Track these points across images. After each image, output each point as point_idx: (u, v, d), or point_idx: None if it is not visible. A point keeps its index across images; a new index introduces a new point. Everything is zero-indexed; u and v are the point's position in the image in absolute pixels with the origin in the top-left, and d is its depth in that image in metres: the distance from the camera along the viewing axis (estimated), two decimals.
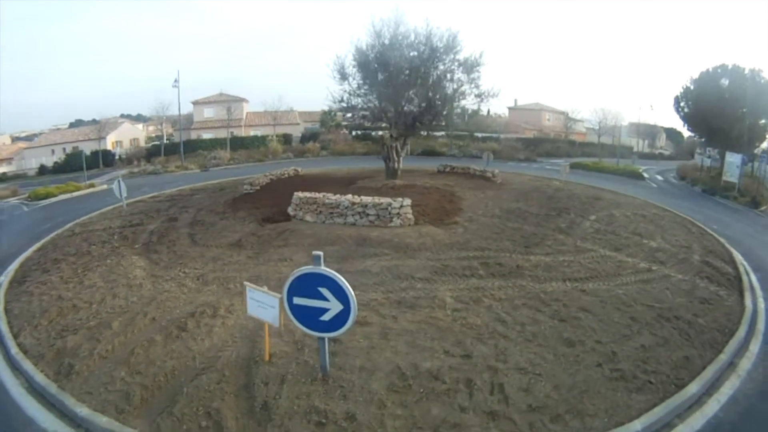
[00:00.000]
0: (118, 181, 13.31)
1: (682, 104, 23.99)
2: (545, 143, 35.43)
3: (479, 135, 34.82)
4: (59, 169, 30.04)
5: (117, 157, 33.29)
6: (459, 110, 16.09)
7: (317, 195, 10.55)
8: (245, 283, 4.74)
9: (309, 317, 4.16)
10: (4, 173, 30.75)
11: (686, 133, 34.67)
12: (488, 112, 39.51)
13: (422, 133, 17.25)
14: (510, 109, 48.55)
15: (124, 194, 13.23)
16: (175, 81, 28.63)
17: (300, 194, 10.78)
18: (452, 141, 31.63)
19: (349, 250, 8.31)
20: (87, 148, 31.89)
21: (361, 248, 8.39)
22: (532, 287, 6.68)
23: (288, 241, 8.99)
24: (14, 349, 5.32)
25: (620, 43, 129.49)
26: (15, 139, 46.86)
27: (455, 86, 14.14)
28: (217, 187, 16.90)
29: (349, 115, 14.32)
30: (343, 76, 13.39)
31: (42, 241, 10.37)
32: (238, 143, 32.63)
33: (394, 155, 15.25)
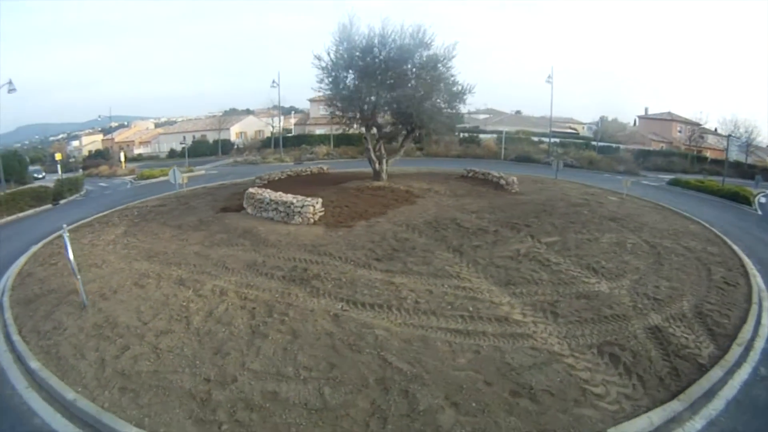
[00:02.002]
0: (174, 170, 18.18)
1: None
2: (654, 156, 32.39)
3: (596, 144, 33.25)
4: (186, 153, 40.74)
5: (235, 147, 42.44)
6: (447, 110, 15.31)
7: (256, 191, 12.33)
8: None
9: None
10: (140, 154, 43.33)
11: None
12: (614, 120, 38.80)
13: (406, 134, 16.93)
14: (639, 118, 45.86)
15: (179, 180, 18.07)
16: (274, 82, 35.01)
17: (250, 190, 12.77)
18: (554, 148, 30.72)
19: (226, 239, 9.76)
20: (212, 136, 41.92)
21: (238, 238, 9.71)
22: (308, 308, 6.79)
23: (209, 227, 11.15)
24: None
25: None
26: (157, 125, 61.48)
27: (430, 83, 13.48)
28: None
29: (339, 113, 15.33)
30: (322, 77, 14.51)
31: (108, 211, 15.49)
32: (344, 139, 35.40)
33: (374, 156, 15.59)
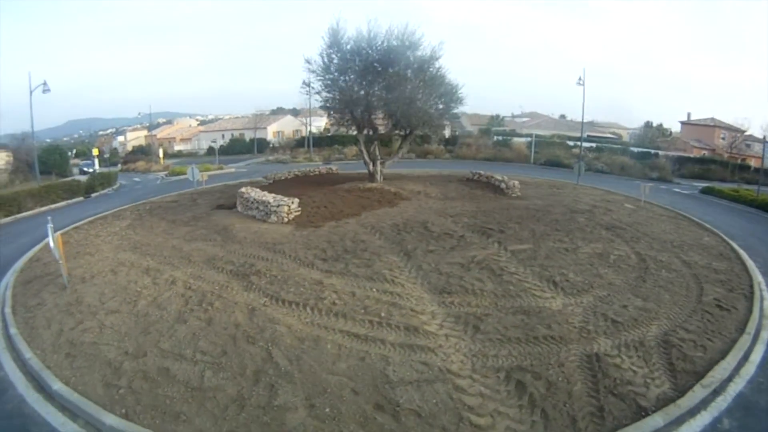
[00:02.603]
0: (192, 168, 20.50)
1: None
2: (691, 163, 32.05)
3: (635, 150, 33.56)
4: (222, 151, 44.12)
5: (270, 146, 45.47)
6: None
7: (245, 191, 13.69)
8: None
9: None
10: (180, 151, 47.58)
11: None
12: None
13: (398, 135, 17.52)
14: (682, 123, 45.40)
15: (197, 178, 20.29)
16: (304, 83, 37.24)
17: (240, 189, 14.20)
18: (585, 153, 30.86)
19: (204, 235, 11.16)
20: (250, 135, 45.18)
21: (214, 234, 11.05)
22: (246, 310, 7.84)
23: (197, 223, 12.72)
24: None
25: None
26: (203, 122, 67.34)
27: (418, 86, 13.85)
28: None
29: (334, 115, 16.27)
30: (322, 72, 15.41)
31: (128, 205, 17.90)
32: (375, 140, 38.32)
33: (367, 158, 16.34)
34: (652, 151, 33.59)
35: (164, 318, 6.85)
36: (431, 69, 14.78)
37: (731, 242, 11.86)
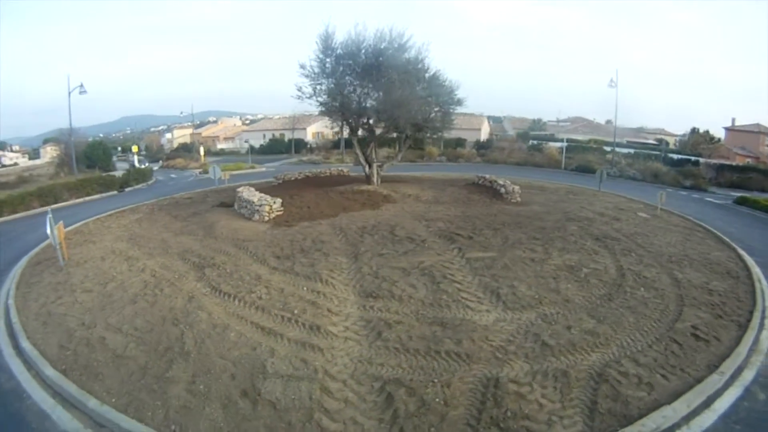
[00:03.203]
0: (213, 167, 22.94)
1: None
2: (730, 171, 31.41)
3: (675, 157, 33.68)
4: (262, 150, 47.66)
5: (308, 146, 48.33)
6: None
7: (241, 190, 15.36)
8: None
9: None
10: (222, 149, 51.73)
11: None
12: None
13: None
14: (726, 129, 45.38)
15: (218, 176, 22.68)
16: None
17: (237, 189, 15.97)
18: (621, 158, 31.71)
19: (193, 230, 12.87)
20: (289, 135, 48.34)
21: (201, 230, 12.69)
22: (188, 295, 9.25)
23: (193, 218, 14.55)
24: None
25: None
26: (252, 121, 72.82)
27: (407, 87, 14.49)
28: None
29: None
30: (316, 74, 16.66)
31: (151, 200, 20.53)
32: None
33: (363, 161, 17.30)
34: (693, 158, 33.24)
35: (122, 299, 8.40)
36: (419, 69, 15.50)
37: (747, 258, 11.21)
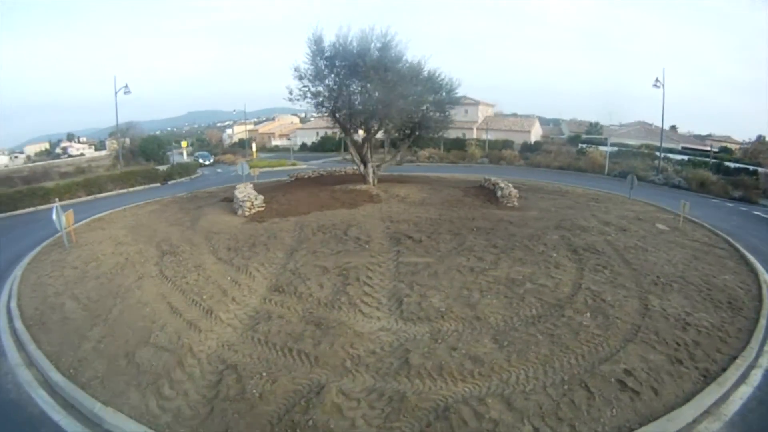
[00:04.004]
0: (242, 163, 26.06)
1: None
2: None
3: (731, 165, 32.75)
4: (314, 148, 51.16)
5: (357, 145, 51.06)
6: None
7: (238, 187, 17.76)
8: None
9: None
10: (276, 146, 55.85)
11: None
12: None
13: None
14: None
15: (246, 173, 25.68)
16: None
17: (236, 186, 18.37)
18: (669, 165, 31.56)
19: (186, 221, 15.40)
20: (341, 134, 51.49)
21: (190, 221, 15.16)
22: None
23: (193, 212, 17.20)
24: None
25: None
26: (303, 120, 76.76)
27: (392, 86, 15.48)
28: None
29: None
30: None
31: (183, 193, 24.05)
32: (454, 144, 41.93)
33: (358, 160, 18.59)
34: (751, 167, 31.71)
35: (92, 275, 10.88)
36: (408, 68, 16.61)
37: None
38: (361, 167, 19.18)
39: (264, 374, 6.54)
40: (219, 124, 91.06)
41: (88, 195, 23.12)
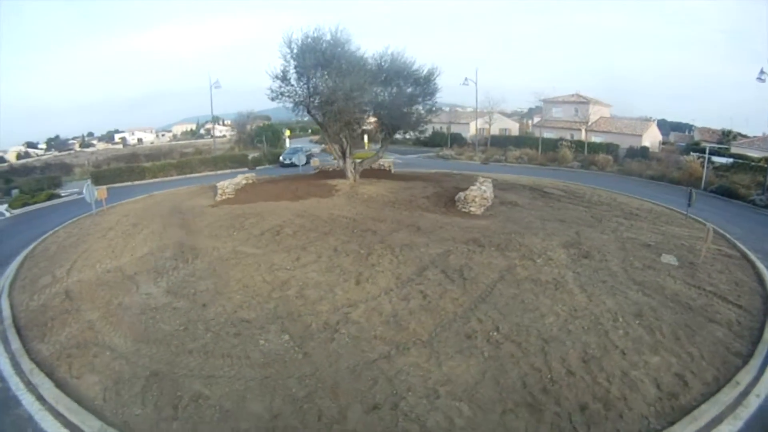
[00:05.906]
0: (299, 154, 29.64)
1: None
2: None
3: None
4: (423, 142, 51.44)
5: (466, 141, 50.16)
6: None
7: (240, 177, 20.88)
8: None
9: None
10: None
11: None
12: None
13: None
14: None
15: (303, 162, 28.94)
16: (466, 79, 40.74)
17: (238, 176, 21.49)
18: None
19: (189, 201, 19.32)
20: (455, 129, 52.37)
21: (188, 202, 19.02)
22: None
23: (206, 194, 21.11)
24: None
25: None
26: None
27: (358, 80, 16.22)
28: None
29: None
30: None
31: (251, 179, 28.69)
32: (550, 145, 40.60)
33: (339, 155, 19.37)
34: None
35: (85, 240, 15.35)
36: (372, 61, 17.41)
37: None
38: (340, 162, 20.04)
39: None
40: None
41: (180, 175, 29.32)
